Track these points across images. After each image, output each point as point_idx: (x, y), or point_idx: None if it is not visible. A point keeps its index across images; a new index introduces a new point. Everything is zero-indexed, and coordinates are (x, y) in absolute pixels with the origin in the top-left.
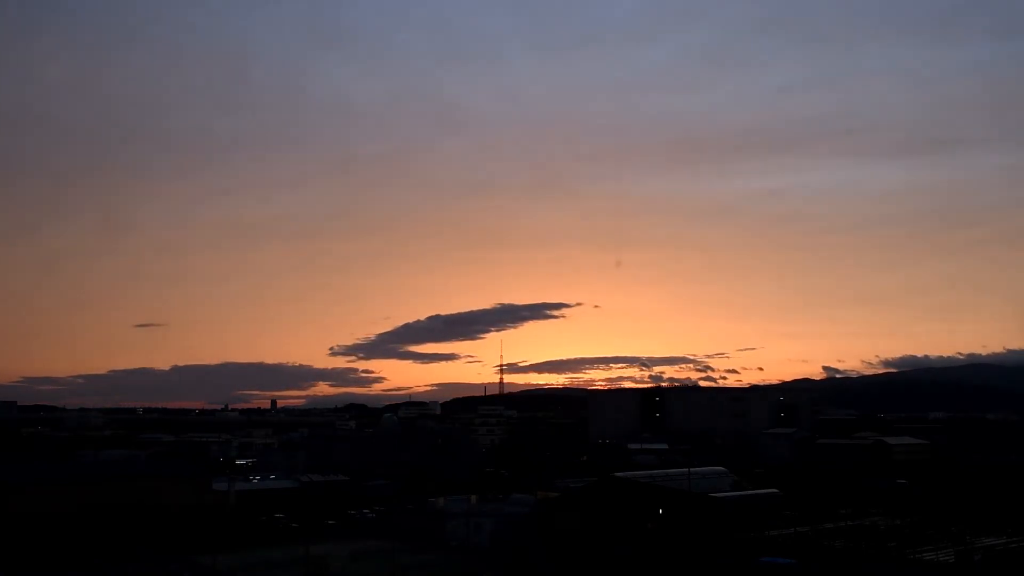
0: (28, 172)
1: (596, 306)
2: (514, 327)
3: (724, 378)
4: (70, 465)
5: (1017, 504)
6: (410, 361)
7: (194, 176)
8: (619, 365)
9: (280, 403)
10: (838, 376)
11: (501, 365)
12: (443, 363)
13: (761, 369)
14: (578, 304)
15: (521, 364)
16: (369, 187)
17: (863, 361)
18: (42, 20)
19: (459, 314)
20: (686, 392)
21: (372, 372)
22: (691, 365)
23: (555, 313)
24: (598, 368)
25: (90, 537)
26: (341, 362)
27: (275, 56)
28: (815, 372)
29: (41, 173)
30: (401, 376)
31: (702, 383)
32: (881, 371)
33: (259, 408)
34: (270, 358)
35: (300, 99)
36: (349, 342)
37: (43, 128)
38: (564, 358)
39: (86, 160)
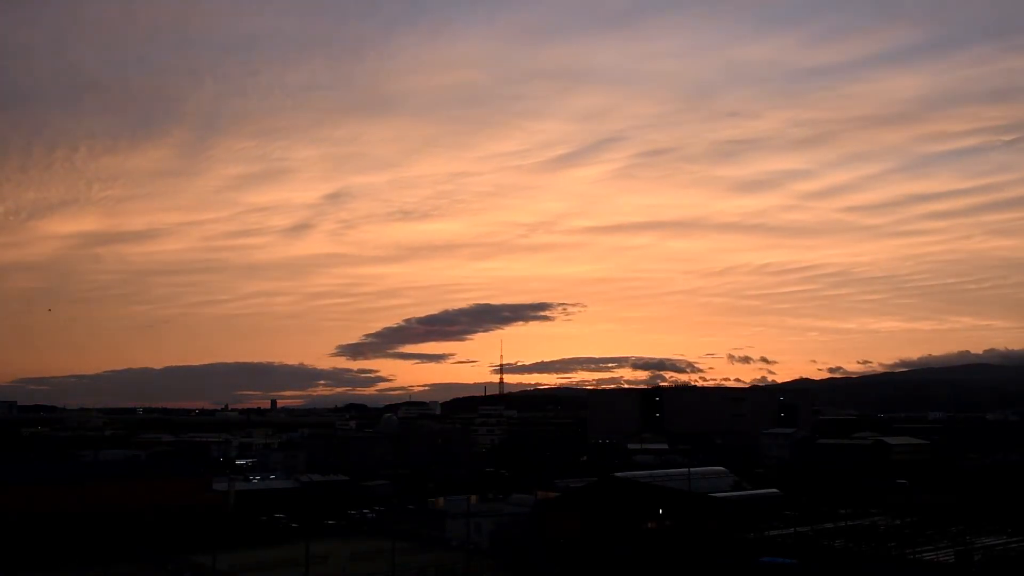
0: (24, 166)
1: (581, 305)
2: (502, 328)
3: (722, 376)
4: (70, 465)
5: (1017, 504)
6: (407, 361)
7: (192, 172)
8: (612, 365)
9: (280, 403)
10: (838, 376)
11: (501, 365)
12: (436, 364)
13: (765, 361)
14: (562, 304)
15: (516, 364)
16: (358, 186)
17: (864, 361)
18: None
19: (441, 314)
20: (686, 392)
21: (372, 372)
22: (684, 364)
23: (541, 314)
24: (590, 369)
25: (90, 537)
26: (341, 362)
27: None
28: (815, 372)
29: (38, 167)
30: (399, 376)
31: (699, 383)
32: (881, 371)
33: (259, 408)
34: (269, 358)
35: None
36: (349, 342)
37: (43, 118)
38: (556, 359)
39: (83, 154)
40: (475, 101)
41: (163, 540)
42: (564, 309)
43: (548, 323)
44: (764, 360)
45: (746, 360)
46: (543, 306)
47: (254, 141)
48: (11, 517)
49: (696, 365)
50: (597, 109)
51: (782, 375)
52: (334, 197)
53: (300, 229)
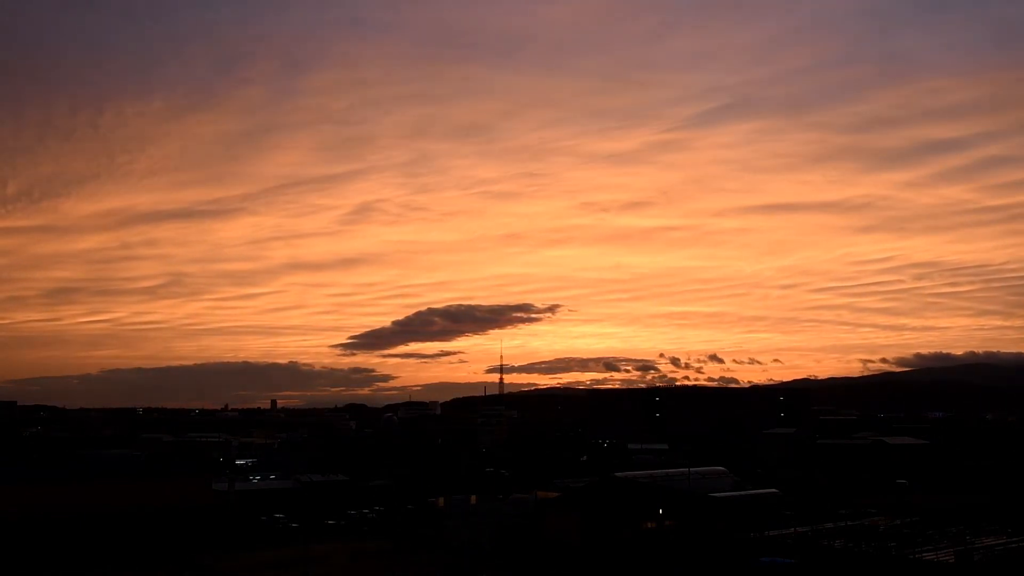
0: (42, 134)
1: (564, 307)
2: (496, 328)
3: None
4: (70, 465)
5: (1017, 504)
6: (405, 360)
7: (240, 140)
8: (609, 364)
9: (280, 403)
10: (838, 376)
11: (501, 366)
12: (434, 364)
13: (762, 362)
14: (547, 306)
15: (513, 365)
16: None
17: (863, 361)
18: None
19: (432, 314)
20: (686, 393)
21: (372, 372)
22: (680, 365)
23: (530, 315)
24: (581, 369)
25: (90, 537)
26: (341, 362)
27: None
28: (815, 372)
29: (57, 134)
30: (399, 376)
31: (696, 383)
32: (881, 371)
33: (259, 408)
34: (270, 358)
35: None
36: (349, 341)
37: (63, 71)
38: (549, 359)
39: (109, 118)
40: (592, 43)
41: (163, 540)
42: (549, 310)
43: (539, 324)
44: (780, 361)
45: (776, 360)
46: (528, 307)
47: (320, 98)
48: (11, 517)
49: (721, 363)
50: (752, 49)
51: (809, 373)
52: (408, 167)
53: (362, 211)
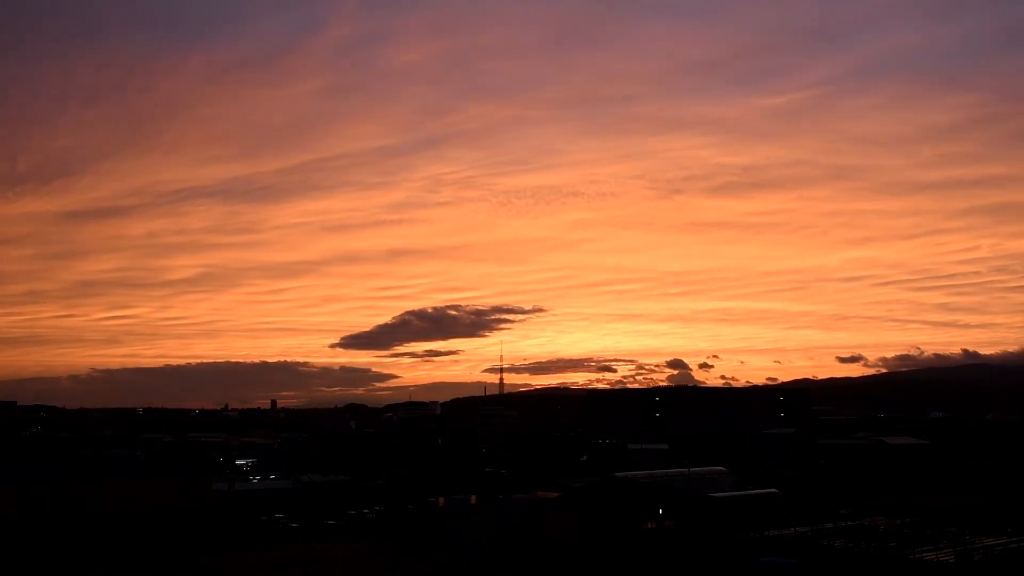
0: (61, 96)
1: (549, 310)
2: (489, 328)
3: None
4: (70, 465)
5: (1017, 504)
6: (406, 360)
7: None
8: (605, 365)
9: (280, 403)
10: (839, 376)
11: (500, 366)
12: (434, 364)
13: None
14: (536, 308)
15: (509, 366)
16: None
17: (863, 361)
18: None
19: (439, 313)
20: (686, 393)
21: (371, 371)
22: (679, 364)
23: (519, 317)
24: (587, 369)
25: (90, 537)
26: (341, 362)
27: None
28: (815, 372)
29: (77, 97)
30: (400, 375)
31: (690, 383)
32: (881, 371)
33: (259, 408)
34: (270, 358)
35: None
36: (348, 342)
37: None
38: (545, 359)
39: (139, 77)
40: None
41: (163, 540)
42: (540, 311)
43: (532, 324)
44: (812, 359)
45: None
46: (514, 309)
47: (389, 51)
48: (11, 517)
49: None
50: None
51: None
52: (475, 138)
53: (416, 192)
